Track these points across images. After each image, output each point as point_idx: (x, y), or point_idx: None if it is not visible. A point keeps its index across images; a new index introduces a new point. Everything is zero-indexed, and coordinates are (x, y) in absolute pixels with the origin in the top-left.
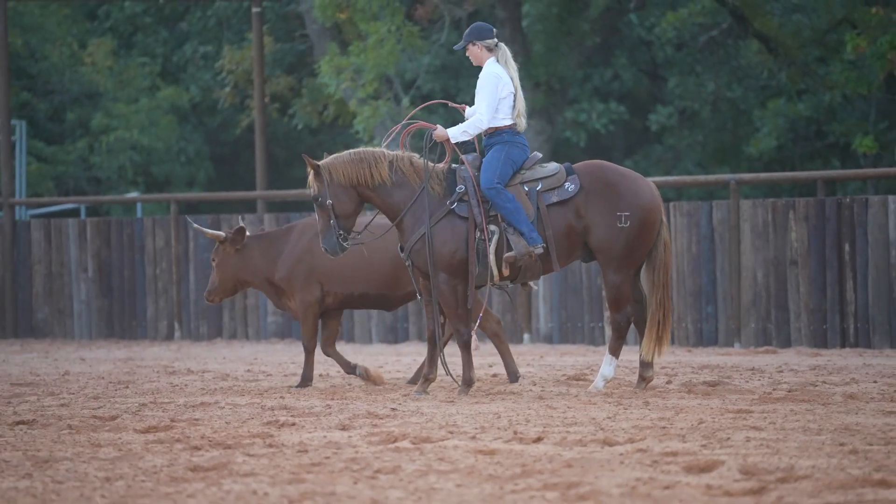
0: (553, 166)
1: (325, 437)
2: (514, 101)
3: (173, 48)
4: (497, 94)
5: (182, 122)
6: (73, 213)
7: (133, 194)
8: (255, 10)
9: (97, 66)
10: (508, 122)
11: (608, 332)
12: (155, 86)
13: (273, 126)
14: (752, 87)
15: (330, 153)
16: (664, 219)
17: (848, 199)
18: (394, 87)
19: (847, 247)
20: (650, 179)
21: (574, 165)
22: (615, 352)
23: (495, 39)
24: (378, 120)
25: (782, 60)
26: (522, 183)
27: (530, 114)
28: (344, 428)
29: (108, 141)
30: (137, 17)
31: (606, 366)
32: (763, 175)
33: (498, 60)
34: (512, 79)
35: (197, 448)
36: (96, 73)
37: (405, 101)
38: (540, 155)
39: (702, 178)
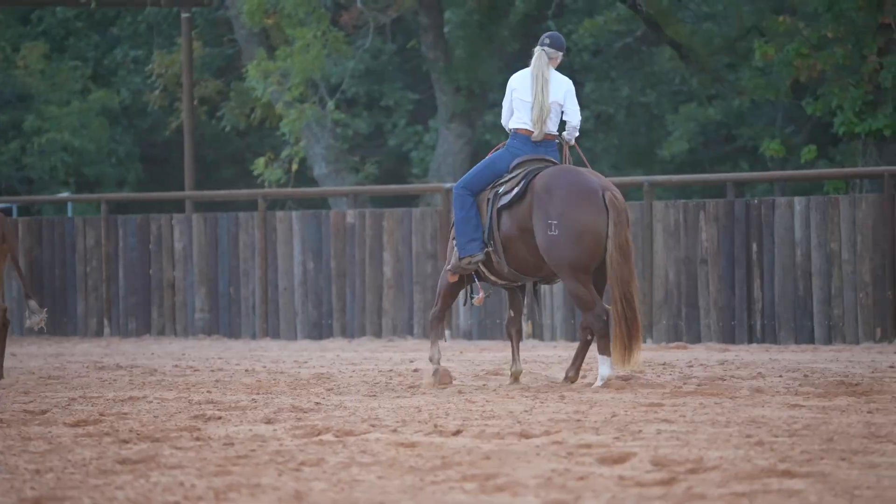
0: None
1: (250, 430)
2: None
3: (104, 52)
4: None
5: (113, 124)
6: (6, 212)
7: (64, 194)
8: (184, 15)
9: (30, 69)
10: (517, 126)
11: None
12: (86, 88)
13: (202, 128)
14: (665, 92)
15: (256, 156)
16: (615, 231)
17: (756, 201)
18: (319, 91)
19: (755, 246)
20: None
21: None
22: (604, 351)
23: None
24: (304, 122)
25: (694, 67)
26: (495, 188)
27: (450, 117)
28: (269, 421)
29: (41, 142)
30: (69, 22)
31: (602, 367)
32: (675, 177)
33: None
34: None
35: (125, 441)
36: (29, 76)
37: (330, 104)
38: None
39: (616, 179)
